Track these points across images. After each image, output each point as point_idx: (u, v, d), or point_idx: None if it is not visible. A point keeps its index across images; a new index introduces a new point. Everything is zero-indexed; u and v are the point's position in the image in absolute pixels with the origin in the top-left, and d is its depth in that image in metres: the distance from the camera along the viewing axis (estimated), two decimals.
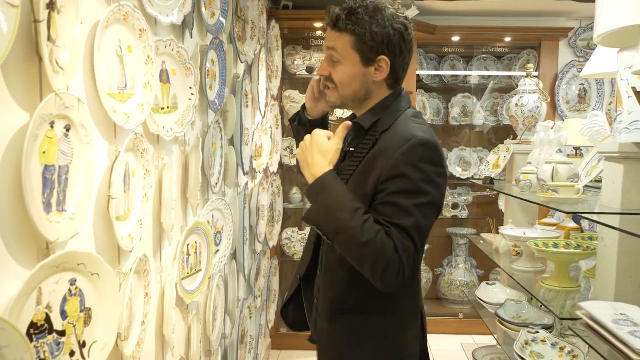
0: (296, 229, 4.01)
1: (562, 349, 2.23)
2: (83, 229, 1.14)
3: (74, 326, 1.11)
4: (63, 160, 1.06)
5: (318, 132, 1.33)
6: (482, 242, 3.05)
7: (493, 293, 2.89)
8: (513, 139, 3.52)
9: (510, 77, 4.38)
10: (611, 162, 1.63)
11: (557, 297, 1.95)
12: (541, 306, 2.55)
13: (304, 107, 1.57)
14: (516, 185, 2.53)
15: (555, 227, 2.57)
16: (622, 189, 1.57)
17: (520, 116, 3.31)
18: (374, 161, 1.30)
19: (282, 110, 3.85)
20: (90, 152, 1.15)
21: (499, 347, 3.11)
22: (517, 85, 3.53)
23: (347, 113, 3.50)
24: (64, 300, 1.07)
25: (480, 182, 3.11)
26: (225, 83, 2.20)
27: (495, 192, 4.19)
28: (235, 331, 2.62)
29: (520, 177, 2.43)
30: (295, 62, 3.95)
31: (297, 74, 3.95)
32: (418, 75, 4.24)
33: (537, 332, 2.31)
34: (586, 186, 2.19)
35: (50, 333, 1.03)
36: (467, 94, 4.41)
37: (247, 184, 2.79)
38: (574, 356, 2.19)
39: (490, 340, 3.69)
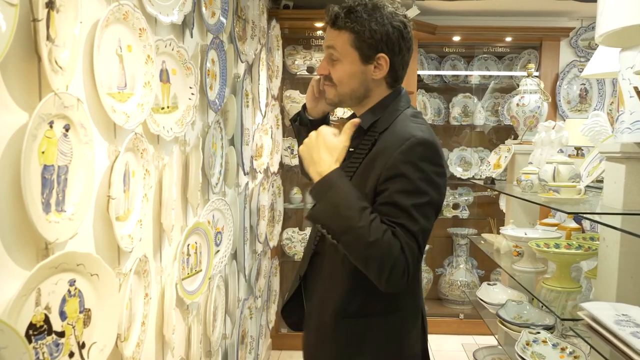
0: (297, 229, 4.00)
1: (563, 349, 2.23)
2: (82, 229, 1.14)
3: (73, 327, 1.10)
4: (62, 160, 1.06)
5: (325, 129, 1.31)
6: (482, 242, 3.04)
7: (494, 293, 2.89)
8: (514, 139, 3.51)
9: (511, 77, 4.38)
10: (613, 162, 1.63)
11: (558, 298, 1.94)
12: (542, 307, 2.55)
13: (304, 107, 1.56)
14: (517, 185, 2.52)
15: (556, 228, 2.56)
16: (624, 189, 1.56)
17: (521, 116, 3.30)
18: (373, 161, 1.29)
19: (282, 110, 3.85)
20: (89, 152, 1.14)
21: (499, 347, 3.10)
22: (517, 85, 3.52)
23: (348, 113, 3.49)
24: (63, 300, 1.07)
25: (481, 182, 3.10)
26: (226, 83, 2.20)
27: (496, 192, 4.18)
28: (235, 331, 2.61)
29: (521, 177, 2.43)
30: (296, 62, 3.94)
31: (298, 73, 3.94)
32: (419, 75, 4.23)
33: (538, 333, 2.30)
34: (587, 186, 2.18)
35: (49, 334, 1.03)
36: (467, 94, 4.41)
37: (247, 184, 2.78)
38: (575, 357, 2.19)
39: (491, 340, 3.68)
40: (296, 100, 3.84)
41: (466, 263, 4.43)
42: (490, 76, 4.44)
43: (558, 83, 4.17)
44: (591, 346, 1.36)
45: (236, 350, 2.65)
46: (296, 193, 4.01)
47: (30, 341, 0.97)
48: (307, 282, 1.51)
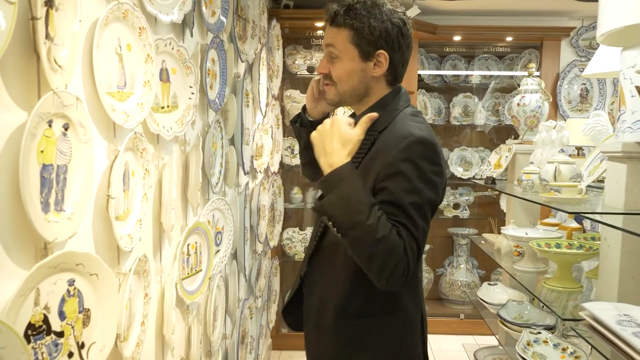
0: (297, 229, 4.00)
1: (564, 349, 2.22)
2: (82, 228, 1.13)
3: (73, 327, 1.10)
4: (61, 159, 1.05)
5: (340, 119, 1.28)
6: (483, 242, 3.04)
7: (494, 293, 2.88)
8: (514, 138, 3.51)
9: (512, 76, 4.37)
10: (614, 162, 1.62)
11: (559, 298, 1.94)
12: (543, 307, 2.55)
13: (304, 108, 1.56)
14: (518, 185, 2.52)
15: (557, 227, 2.56)
16: (626, 188, 1.55)
17: (522, 116, 3.29)
18: (372, 160, 1.29)
19: (283, 110, 3.84)
20: (89, 151, 1.14)
21: (500, 347, 3.10)
22: (518, 85, 3.52)
23: (348, 113, 3.49)
24: (62, 300, 1.06)
25: (482, 182, 3.10)
26: (226, 82, 2.19)
27: (497, 192, 4.18)
28: (235, 331, 2.61)
29: (522, 177, 2.42)
30: (296, 62, 3.94)
31: (298, 73, 3.94)
32: (419, 75, 4.23)
33: (539, 333, 2.30)
34: (588, 186, 2.18)
35: (48, 334, 1.02)
36: (468, 94, 4.40)
37: (247, 183, 2.78)
38: (576, 357, 2.18)
39: (491, 340, 3.68)
40: (296, 100, 3.83)
41: (467, 263, 4.42)
42: (491, 76, 4.44)
43: (559, 83, 4.17)
44: (592, 346, 1.35)
45: (236, 351, 2.64)
46: (296, 193, 4.01)
47: (29, 341, 0.97)
48: (307, 282, 1.50)
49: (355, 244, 1.19)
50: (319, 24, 3.72)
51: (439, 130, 4.47)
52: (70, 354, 1.09)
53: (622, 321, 1.26)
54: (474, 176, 4.29)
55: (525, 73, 3.44)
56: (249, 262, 2.85)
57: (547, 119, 3.18)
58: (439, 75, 4.49)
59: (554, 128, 2.63)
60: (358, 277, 1.29)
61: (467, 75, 4.47)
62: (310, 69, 3.89)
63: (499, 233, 2.70)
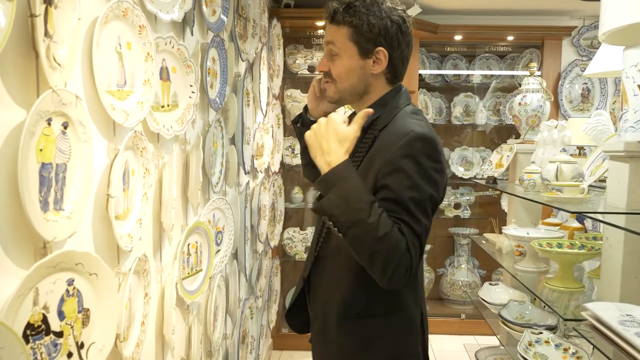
0: (298, 229, 3.99)
1: (566, 349, 2.21)
2: (81, 228, 1.13)
3: (72, 327, 1.09)
4: (60, 158, 1.05)
5: (335, 117, 1.27)
6: (484, 242, 3.03)
7: (496, 293, 2.88)
8: (515, 138, 3.50)
9: (513, 76, 4.37)
10: (616, 161, 1.62)
11: (560, 298, 1.93)
12: (545, 307, 2.54)
13: (306, 108, 1.55)
14: (519, 184, 2.51)
15: (558, 227, 2.55)
16: (628, 188, 1.55)
17: (523, 115, 3.29)
18: (372, 159, 1.28)
19: (283, 110, 3.84)
20: (88, 150, 1.13)
21: (502, 348, 3.09)
22: (519, 85, 3.52)
23: (349, 112, 3.49)
24: (62, 300, 1.06)
25: (483, 182, 3.09)
26: (226, 81, 2.19)
27: (498, 192, 4.17)
28: (236, 331, 2.60)
29: (523, 177, 2.42)
30: (297, 61, 3.93)
31: (299, 73, 3.93)
32: (420, 75, 4.22)
33: (541, 333, 2.29)
34: (590, 186, 2.17)
35: (47, 334, 1.02)
36: (469, 93, 4.40)
37: (248, 183, 2.77)
38: (578, 357, 2.17)
39: (493, 340, 3.67)
40: (297, 99, 3.83)
41: (467, 263, 4.42)
42: (492, 75, 4.44)
43: (560, 82, 4.16)
44: (595, 346, 1.35)
45: (237, 351, 2.64)
46: (297, 192, 4.00)
47: (27, 341, 0.96)
48: (310, 284, 1.50)
49: (357, 242, 1.17)
50: (320, 23, 3.72)
51: (440, 130, 4.46)
52: (70, 354, 1.09)
53: (624, 321, 1.25)
54: (475, 176, 4.29)
55: (527, 72, 3.43)
56: (250, 262, 2.84)
57: (549, 119, 3.17)
58: (440, 74, 4.48)
59: (556, 127, 2.62)
60: (359, 278, 1.29)
61: (468, 75, 4.46)
62: (311, 69, 3.88)
63: (500, 233, 2.70)
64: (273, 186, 3.44)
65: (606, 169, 1.97)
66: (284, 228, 3.88)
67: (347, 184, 1.19)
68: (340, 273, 1.37)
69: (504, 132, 4.44)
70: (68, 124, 1.06)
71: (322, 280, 1.44)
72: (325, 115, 1.53)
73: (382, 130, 1.32)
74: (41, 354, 1.00)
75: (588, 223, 3.03)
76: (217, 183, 2.15)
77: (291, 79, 3.99)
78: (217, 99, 2.09)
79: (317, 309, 1.46)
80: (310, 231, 3.94)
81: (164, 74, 1.61)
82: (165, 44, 1.59)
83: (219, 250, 2.16)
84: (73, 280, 1.09)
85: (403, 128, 1.26)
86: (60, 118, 1.04)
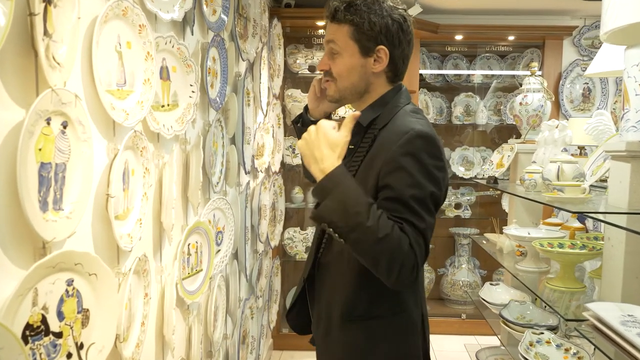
0: (298, 229, 3.99)
1: (567, 350, 2.21)
2: (80, 228, 1.12)
3: (71, 327, 1.09)
4: (60, 157, 1.04)
5: (324, 123, 1.27)
6: (485, 242, 3.03)
7: (496, 293, 2.87)
8: (516, 138, 3.50)
9: (514, 76, 4.36)
10: (618, 161, 1.61)
11: (562, 298, 1.92)
12: (546, 307, 2.53)
13: (306, 108, 1.55)
14: (520, 184, 2.51)
15: (559, 227, 2.55)
16: (630, 188, 1.54)
17: (524, 115, 3.28)
18: (373, 158, 1.28)
19: (284, 109, 3.84)
20: (88, 150, 1.13)
21: (502, 348, 3.08)
22: (520, 84, 3.51)
23: (349, 112, 3.48)
24: (61, 301, 1.05)
25: (484, 182, 3.08)
26: (227, 81, 2.18)
27: (499, 192, 4.17)
28: (236, 332, 2.60)
29: (524, 177, 2.41)
30: (298, 61, 3.93)
31: (299, 72, 3.93)
32: (421, 74, 4.22)
33: (542, 333, 2.29)
34: (591, 185, 2.17)
35: (46, 335, 1.01)
36: (470, 93, 4.39)
37: (248, 183, 2.77)
38: (579, 357, 2.17)
39: (493, 341, 3.67)
40: (298, 99, 3.82)
41: (468, 263, 4.41)
42: (493, 75, 4.43)
43: (561, 82, 4.15)
44: (596, 347, 1.34)
45: (237, 351, 2.64)
46: (297, 192, 4.00)
47: (26, 342, 0.95)
48: (311, 286, 1.49)
49: (358, 246, 1.17)
50: (320, 23, 3.71)
51: (441, 130, 4.46)
52: (69, 355, 1.08)
53: (626, 322, 1.25)
54: (475, 176, 4.28)
55: (528, 72, 3.42)
56: (250, 262, 2.84)
57: (550, 118, 3.16)
58: (441, 74, 4.48)
59: (557, 127, 2.61)
60: (362, 280, 1.29)
61: (468, 75, 4.46)
62: (312, 68, 3.88)
63: (501, 233, 2.69)
64: (273, 186, 3.44)
65: (607, 168, 1.97)
66: (285, 228, 3.88)
67: (342, 189, 1.19)
68: (342, 275, 1.36)
69: (504, 132, 4.43)
70: (67, 123, 1.06)
71: (325, 284, 1.43)
72: (326, 114, 1.53)
73: (382, 129, 1.32)
74: (40, 354, 0.99)
75: (589, 223, 3.03)
76: (218, 183, 2.15)
77: (292, 78, 3.99)
78: (218, 98, 2.08)
79: (320, 310, 1.45)
80: (310, 231, 3.94)
81: (164, 74, 1.61)
82: (166, 44, 1.59)
83: (219, 250, 2.16)
84: (72, 281, 1.08)
85: (403, 126, 1.26)
86: (59, 117, 1.03)
